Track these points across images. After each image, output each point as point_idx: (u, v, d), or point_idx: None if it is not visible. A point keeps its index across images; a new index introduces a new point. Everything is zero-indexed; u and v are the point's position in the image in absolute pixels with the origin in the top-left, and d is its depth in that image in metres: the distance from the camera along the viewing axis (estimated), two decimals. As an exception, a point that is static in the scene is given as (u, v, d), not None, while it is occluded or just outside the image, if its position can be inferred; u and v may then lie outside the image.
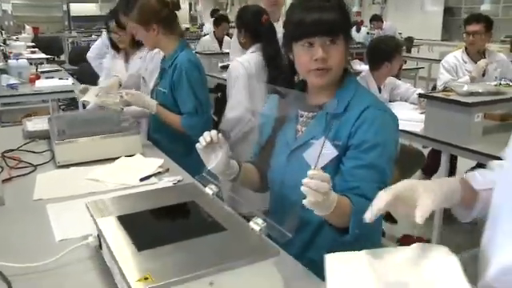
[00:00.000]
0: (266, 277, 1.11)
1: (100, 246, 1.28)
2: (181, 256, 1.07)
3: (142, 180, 1.92)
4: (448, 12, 12.32)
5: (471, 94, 2.64)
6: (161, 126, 2.54)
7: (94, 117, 2.52)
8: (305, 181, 1.12)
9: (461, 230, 3.10)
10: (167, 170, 2.02)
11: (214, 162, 1.43)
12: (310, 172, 1.13)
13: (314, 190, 1.12)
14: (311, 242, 1.53)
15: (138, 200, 1.42)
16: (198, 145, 1.43)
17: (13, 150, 2.26)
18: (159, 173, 1.99)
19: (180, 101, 2.46)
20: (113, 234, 1.18)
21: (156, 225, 1.31)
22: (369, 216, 1.08)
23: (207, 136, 1.41)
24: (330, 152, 1.42)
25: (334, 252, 1.12)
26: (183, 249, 1.11)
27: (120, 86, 3.13)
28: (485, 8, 8.38)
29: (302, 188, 1.12)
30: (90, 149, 2.13)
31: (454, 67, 4.02)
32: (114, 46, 3.56)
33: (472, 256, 1.13)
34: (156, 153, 2.27)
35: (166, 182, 1.90)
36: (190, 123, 2.42)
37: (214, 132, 1.43)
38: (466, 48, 4.05)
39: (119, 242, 1.13)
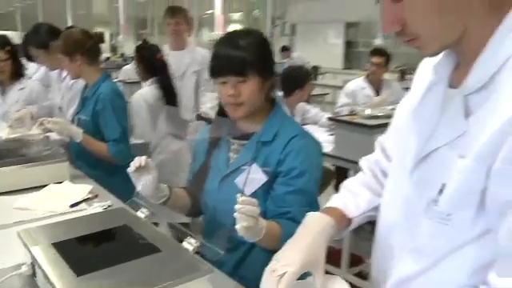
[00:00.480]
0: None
1: (34, 274, 1.22)
2: (118, 279, 1.06)
3: (72, 206, 1.86)
4: (348, 44, 13.10)
5: (372, 117, 2.82)
6: (82, 152, 2.48)
7: (15, 145, 2.40)
8: (236, 206, 1.14)
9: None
10: (96, 196, 1.97)
11: (143, 185, 1.43)
12: (239, 198, 1.15)
13: (245, 214, 1.14)
14: (243, 261, 1.55)
15: (71, 226, 1.38)
16: (129, 169, 1.43)
17: None
18: (89, 198, 1.93)
19: (105, 128, 2.43)
20: (49, 260, 1.14)
21: (92, 250, 1.28)
22: None
23: (137, 161, 1.41)
24: (259, 178, 1.48)
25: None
26: (120, 271, 1.09)
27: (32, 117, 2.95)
28: (378, 42, 8.94)
29: (235, 214, 1.14)
30: (17, 177, 2.02)
31: (353, 92, 4.33)
32: None
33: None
34: (83, 179, 2.21)
35: (96, 207, 1.85)
36: (117, 149, 2.40)
37: (143, 157, 1.43)
38: (367, 75, 4.36)
39: (56, 269, 1.10)
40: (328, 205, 1.18)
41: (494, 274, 0.83)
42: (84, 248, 1.28)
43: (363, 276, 3.01)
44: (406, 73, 8.21)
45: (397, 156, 1.10)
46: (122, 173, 2.53)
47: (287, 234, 1.31)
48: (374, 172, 1.21)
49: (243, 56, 1.42)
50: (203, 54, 3.52)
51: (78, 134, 2.39)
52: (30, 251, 1.21)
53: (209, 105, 3.30)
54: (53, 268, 1.10)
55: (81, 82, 2.68)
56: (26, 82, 3.22)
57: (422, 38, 0.88)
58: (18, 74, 3.18)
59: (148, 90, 3.12)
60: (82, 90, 2.63)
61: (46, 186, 2.04)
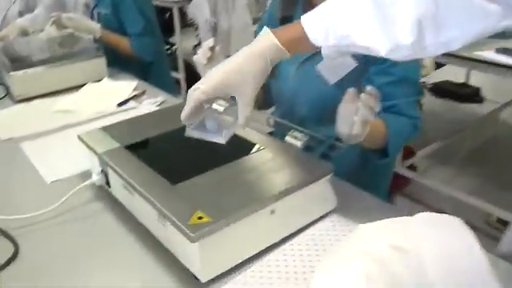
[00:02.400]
0: (322, 196, 0.89)
1: (107, 184, 0.99)
2: (226, 185, 0.82)
3: (119, 105, 1.60)
4: None
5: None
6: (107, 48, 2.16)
7: (45, 41, 2.08)
8: (362, 96, 0.85)
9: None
10: (144, 93, 1.70)
11: None
12: (368, 88, 0.86)
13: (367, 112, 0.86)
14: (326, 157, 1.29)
15: (137, 126, 1.12)
16: (196, 58, 1.13)
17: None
18: (136, 96, 1.67)
19: (126, 21, 2.10)
20: (128, 167, 0.90)
21: (178, 152, 1.00)
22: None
23: (206, 49, 1.11)
24: (346, 62, 1.17)
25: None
26: (225, 176, 0.85)
27: None
28: None
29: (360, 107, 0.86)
30: (51, 78, 1.74)
31: None
32: None
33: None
34: (123, 75, 1.92)
35: (149, 104, 1.59)
36: (141, 45, 2.10)
37: (210, 41, 1.13)
38: None
39: (141, 177, 0.86)
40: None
41: None
42: (167, 150, 1.02)
43: (414, 168, 2.82)
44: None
45: None
46: (156, 70, 2.30)
47: (395, 131, 1.07)
48: None
49: None
50: None
51: (96, 30, 2.07)
52: (100, 157, 0.97)
53: None
54: (136, 175, 0.86)
55: None
56: None
57: None
58: None
59: None
60: None
61: (83, 85, 1.77)
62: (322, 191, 0.88)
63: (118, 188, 0.94)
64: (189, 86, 0.95)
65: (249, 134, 1.00)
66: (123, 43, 2.12)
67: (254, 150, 0.94)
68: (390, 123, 1.08)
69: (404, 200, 2.73)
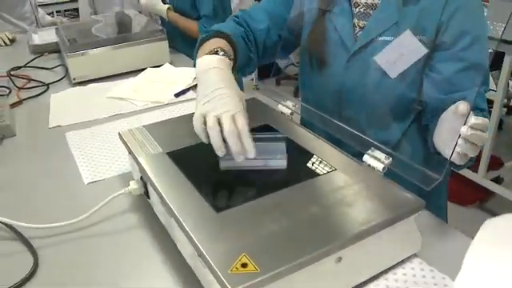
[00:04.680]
0: (405, 238, 0.69)
1: (147, 194, 0.85)
2: (281, 219, 0.64)
3: (177, 95, 1.46)
4: None
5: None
6: (174, 31, 2.04)
7: (108, 23, 1.99)
8: (465, 132, 0.68)
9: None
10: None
11: None
12: (472, 121, 0.68)
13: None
14: None
15: (186, 126, 0.96)
16: None
17: (20, 68, 1.78)
18: (195, 85, 1.52)
19: (200, 2, 1.98)
20: (167, 181, 0.74)
21: (231, 168, 0.80)
22: None
23: None
24: (414, 49, 0.94)
25: None
26: (281, 206, 0.67)
27: None
28: None
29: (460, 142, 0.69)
30: (110, 61, 1.64)
31: None
32: None
33: None
34: (185, 61, 1.79)
35: (208, 97, 1.43)
36: (208, 29, 1.94)
37: None
38: None
39: (180, 196, 0.70)
40: None
41: None
42: (214, 163, 0.80)
43: (500, 181, 2.49)
44: None
45: None
46: None
47: None
48: None
49: None
50: None
51: (163, 11, 1.97)
52: (138, 163, 0.82)
53: None
54: (177, 196, 0.70)
55: None
56: None
57: None
58: None
59: None
60: None
61: (142, 70, 1.65)
62: (406, 232, 0.68)
63: (156, 201, 0.79)
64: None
65: (313, 147, 0.81)
66: (190, 26, 2.02)
67: (323, 171, 0.75)
68: None
69: (483, 215, 2.43)
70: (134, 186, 0.85)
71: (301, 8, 1.11)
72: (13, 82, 1.62)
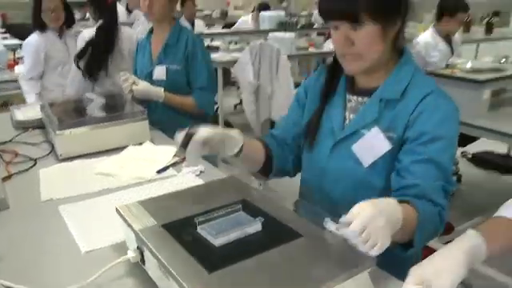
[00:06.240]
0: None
1: (142, 261, 0.99)
2: (264, 276, 0.80)
3: (159, 172, 1.61)
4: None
5: (475, 71, 2.44)
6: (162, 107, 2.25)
7: (91, 102, 2.16)
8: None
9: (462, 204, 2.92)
10: (184, 160, 1.71)
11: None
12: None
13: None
14: None
15: (176, 202, 1.13)
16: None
17: (5, 143, 1.90)
18: (176, 163, 1.68)
19: (194, 75, 2.22)
20: (166, 249, 0.89)
21: (216, 235, 0.96)
22: None
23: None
24: (381, 145, 1.18)
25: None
26: (263, 266, 0.83)
27: None
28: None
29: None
30: (95, 138, 1.79)
31: (426, 47, 3.64)
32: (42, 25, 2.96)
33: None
34: (165, 139, 1.96)
35: (187, 173, 1.60)
36: (206, 99, 2.25)
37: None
38: (435, 27, 3.68)
39: (178, 262, 0.85)
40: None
41: None
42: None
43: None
44: (470, 24, 7.54)
45: None
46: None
47: (424, 220, 1.02)
48: None
49: None
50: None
51: (159, 93, 2.19)
52: (137, 234, 0.96)
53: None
54: (173, 260, 0.85)
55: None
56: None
57: None
58: (70, 21, 3.06)
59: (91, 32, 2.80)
60: (146, 39, 2.38)
61: (125, 147, 1.81)
62: (361, 286, 0.84)
63: (153, 267, 0.93)
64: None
65: (283, 217, 0.98)
66: (187, 101, 2.23)
67: (292, 236, 0.92)
68: (420, 210, 1.03)
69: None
70: (132, 254, 0.99)
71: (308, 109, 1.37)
72: (1, 157, 1.75)
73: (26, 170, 1.66)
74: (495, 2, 11.05)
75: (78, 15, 3.92)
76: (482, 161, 4.07)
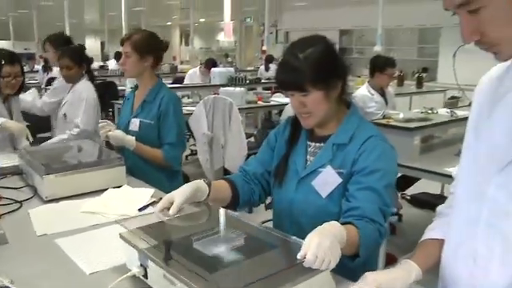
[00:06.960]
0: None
1: (145, 276, 1.20)
2: (251, 276, 1.04)
3: (140, 210, 1.83)
4: (342, 51, 13.21)
5: (408, 120, 2.86)
6: (133, 156, 2.47)
7: (67, 149, 2.36)
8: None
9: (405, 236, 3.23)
10: (161, 199, 1.93)
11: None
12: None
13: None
14: None
15: (169, 227, 1.36)
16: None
17: (-13, 188, 2.04)
18: (155, 202, 1.90)
19: (164, 130, 2.44)
20: (170, 260, 1.12)
21: (209, 248, 1.21)
22: None
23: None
24: (334, 180, 1.49)
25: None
26: (250, 268, 1.08)
27: None
28: (377, 49, 8.88)
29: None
30: (78, 182, 1.99)
31: (363, 99, 4.14)
32: None
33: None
34: (140, 183, 2.18)
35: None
36: (173, 154, 2.45)
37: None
38: (369, 82, 4.24)
39: (183, 268, 1.08)
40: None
41: None
42: (199, 247, 1.22)
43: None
44: (404, 78, 8.31)
45: (470, 171, 1.12)
46: (173, 177, 2.56)
47: (365, 236, 1.31)
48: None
49: (301, 71, 1.42)
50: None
51: (131, 142, 2.41)
52: (141, 252, 1.18)
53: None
54: (177, 270, 1.07)
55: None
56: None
57: (500, 45, 0.93)
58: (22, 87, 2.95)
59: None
60: (131, 92, 2.65)
61: (104, 190, 2.01)
62: (324, 281, 1.10)
63: (157, 278, 1.14)
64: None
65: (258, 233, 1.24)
66: (156, 153, 2.45)
67: (269, 248, 1.18)
68: (361, 227, 1.31)
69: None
70: (136, 269, 1.20)
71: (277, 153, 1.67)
72: (-12, 201, 1.89)
73: (15, 210, 1.82)
74: (424, 59, 12.17)
75: (26, 67, 4.07)
76: (419, 201, 4.48)
